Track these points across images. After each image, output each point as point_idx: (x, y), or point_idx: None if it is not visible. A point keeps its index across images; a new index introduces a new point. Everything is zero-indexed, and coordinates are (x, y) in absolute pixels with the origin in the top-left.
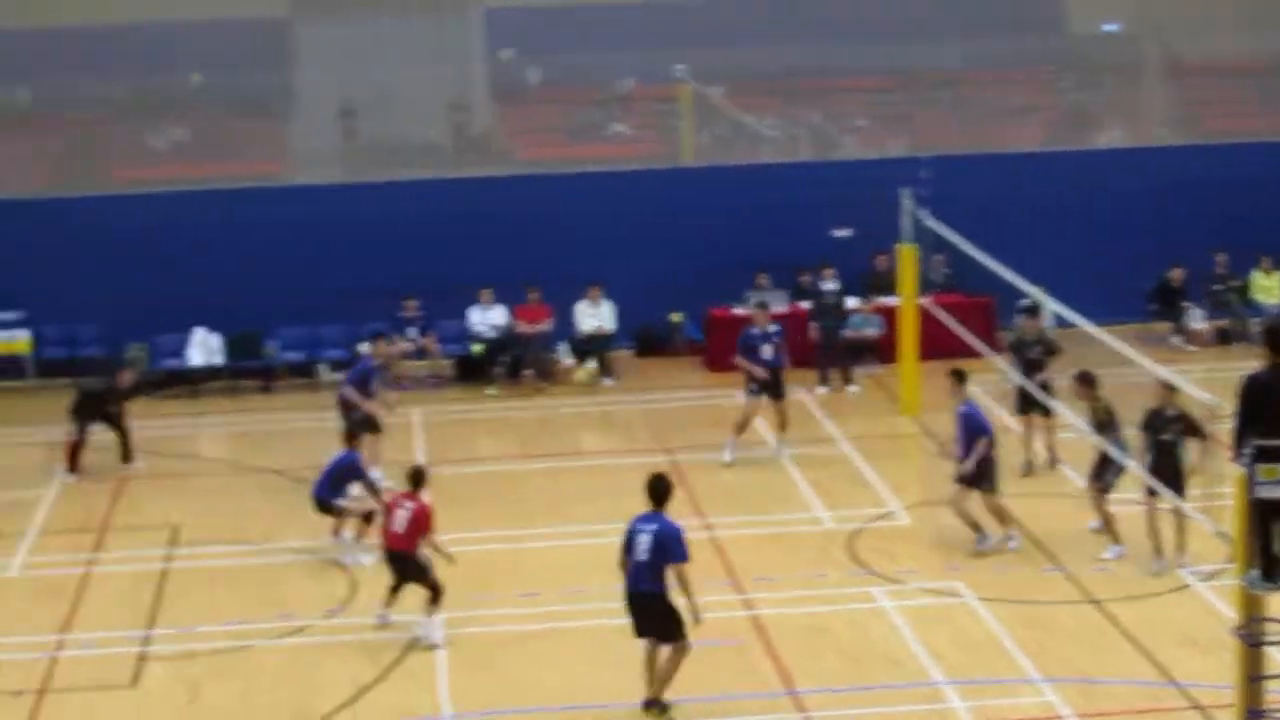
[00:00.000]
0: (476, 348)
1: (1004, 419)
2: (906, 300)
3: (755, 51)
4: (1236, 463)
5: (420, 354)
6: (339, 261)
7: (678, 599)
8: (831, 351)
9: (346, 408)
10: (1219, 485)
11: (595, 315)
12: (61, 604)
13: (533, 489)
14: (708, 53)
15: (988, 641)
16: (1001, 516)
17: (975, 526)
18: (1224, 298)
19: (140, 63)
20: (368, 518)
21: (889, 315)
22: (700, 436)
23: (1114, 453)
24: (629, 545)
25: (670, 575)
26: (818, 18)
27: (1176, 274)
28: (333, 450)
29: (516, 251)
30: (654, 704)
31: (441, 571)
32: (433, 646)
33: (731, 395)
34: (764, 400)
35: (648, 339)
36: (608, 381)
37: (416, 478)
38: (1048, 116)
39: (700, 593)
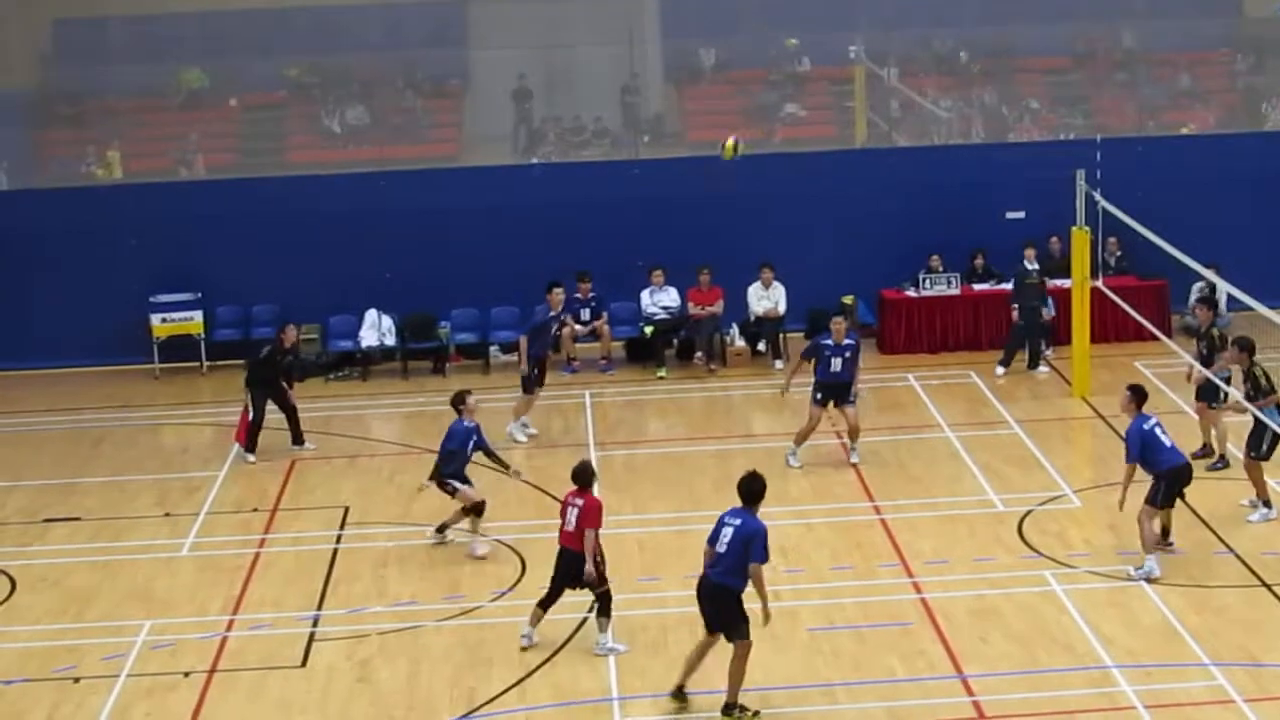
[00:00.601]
0: (648, 329)
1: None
2: (1079, 283)
3: (929, 32)
4: None
5: (592, 335)
6: (511, 243)
7: (751, 599)
8: (1029, 332)
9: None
10: None
11: (767, 297)
12: (232, 584)
13: (701, 471)
14: (882, 34)
15: (1158, 626)
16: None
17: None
18: None
19: (316, 45)
20: (478, 509)
21: (1062, 297)
22: (869, 419)
23: (1269, 421)
24: (714, 536)
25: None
26: None
27: None
28: (505, 430)
29: (689, 233)
30: (730, 707)
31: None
32: (612, 651)
33: (905, 378)
34: (829, 409)
35: (821, 321)
36: (778, 364)
37: (582, 476)
38: (1223, 99)
39: (870, 575)
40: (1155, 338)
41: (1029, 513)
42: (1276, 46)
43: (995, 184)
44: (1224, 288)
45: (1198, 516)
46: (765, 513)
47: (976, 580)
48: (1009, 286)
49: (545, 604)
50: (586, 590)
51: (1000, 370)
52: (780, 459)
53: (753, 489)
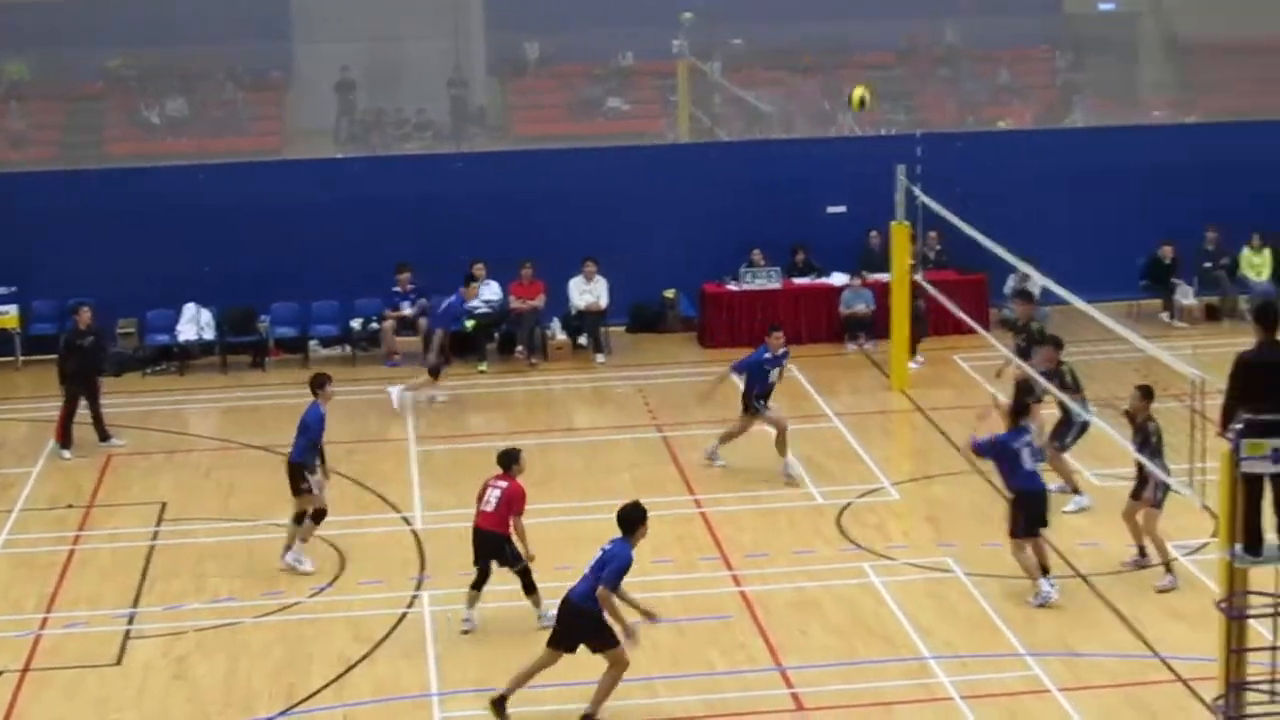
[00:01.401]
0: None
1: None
2: (899, 277)
3: (753, 28)
4: (1224, 438)
5: (412, 329)
6: (332, 237)
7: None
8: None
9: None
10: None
11: (589, 291)
12: (46, 581)
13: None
14: (706, 29)
15: (975, 616)
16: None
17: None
18: (1214, 275)
19: (137, 36)
20: (319, 516)
21: (882, 291)
22: (692, 412)
23: (1075, 410)
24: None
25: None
26: None
27: (1167, 251)
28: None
29: (512, 227)
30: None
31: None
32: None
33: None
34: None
35: (641, 315)
36: (600, 358)
37: (508, 459)
38: (1044, 95)
39: (691, 569)
40: (974, 331)
41: (848, 505)
42: (1095, 43)
43: (817, 179)
44: (1040, 281)
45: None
46: (584, 505)
47: (796, 573)
48: (831, 280)
49: (478, 585)
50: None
51: (919, 360)
52: (605, 452)
53: (624, 517)
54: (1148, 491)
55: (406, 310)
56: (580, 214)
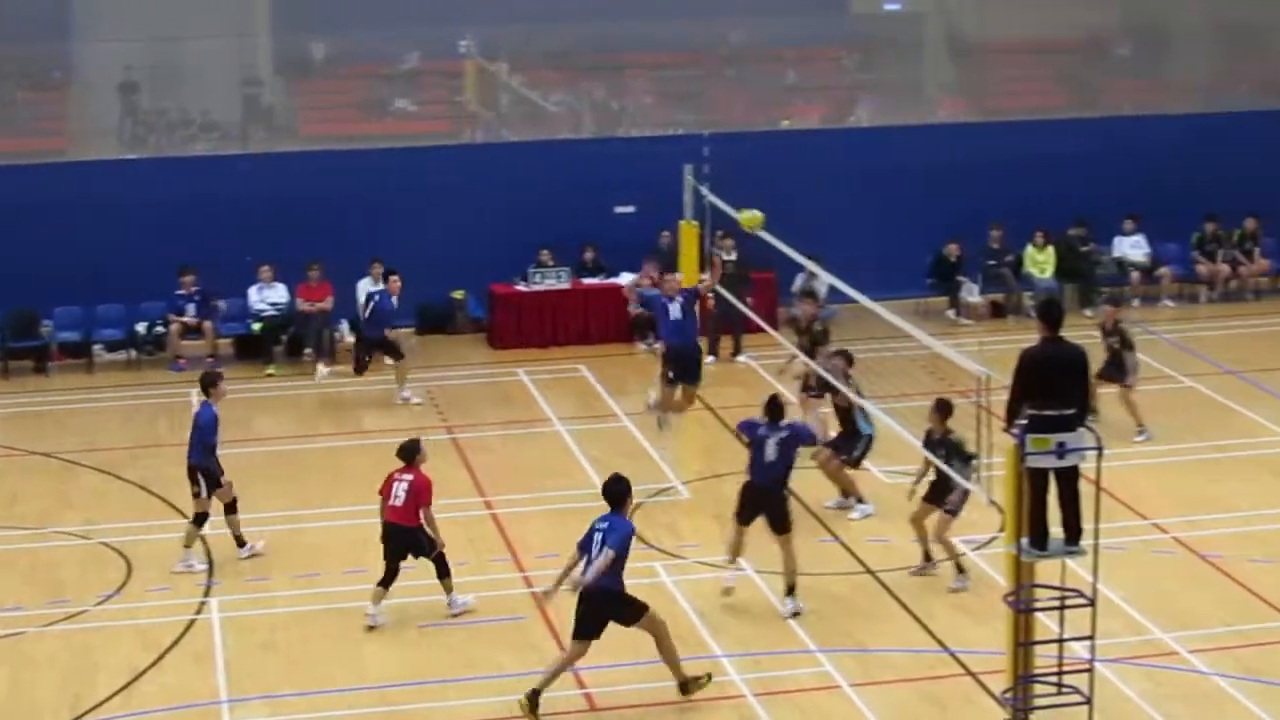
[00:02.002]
0: (256, 326)
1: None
2: (687, 276)
3: (541, 27)
4: (1010, 434)
5: (198, 332)
6: (117, 238)
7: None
8: (726, 321)
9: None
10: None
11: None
12: None
13: (313, 468)
14: (493, 28)
15: (767, 614)
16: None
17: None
18: (998, 272)
19: None
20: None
21: None
22: (482, 414)
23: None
24: (585, 542)
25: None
26: None
27: (952, 249)
28: (109, 431)
29: (299, 229)
30: (684, 685)
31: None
32: (465, 610)
33: (514, 373)
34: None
35: (430, 317)
36: (389, 360)
37: (409, 452)
38: (831, 94)
39: (483, 570)
40: (762, 329)
41: (639, 505)
42: (883, 44)
43: (605, 178)
44: (828, 280)
45: (804, 505)
46: (375, 509)
47: None
48: (620, 280)
49: (385, 583)
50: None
51: (710, 360)
52: (390, 455)
53: (613, 491)
54: (951, 500)
55: (190, 313)
56: (368, 215)
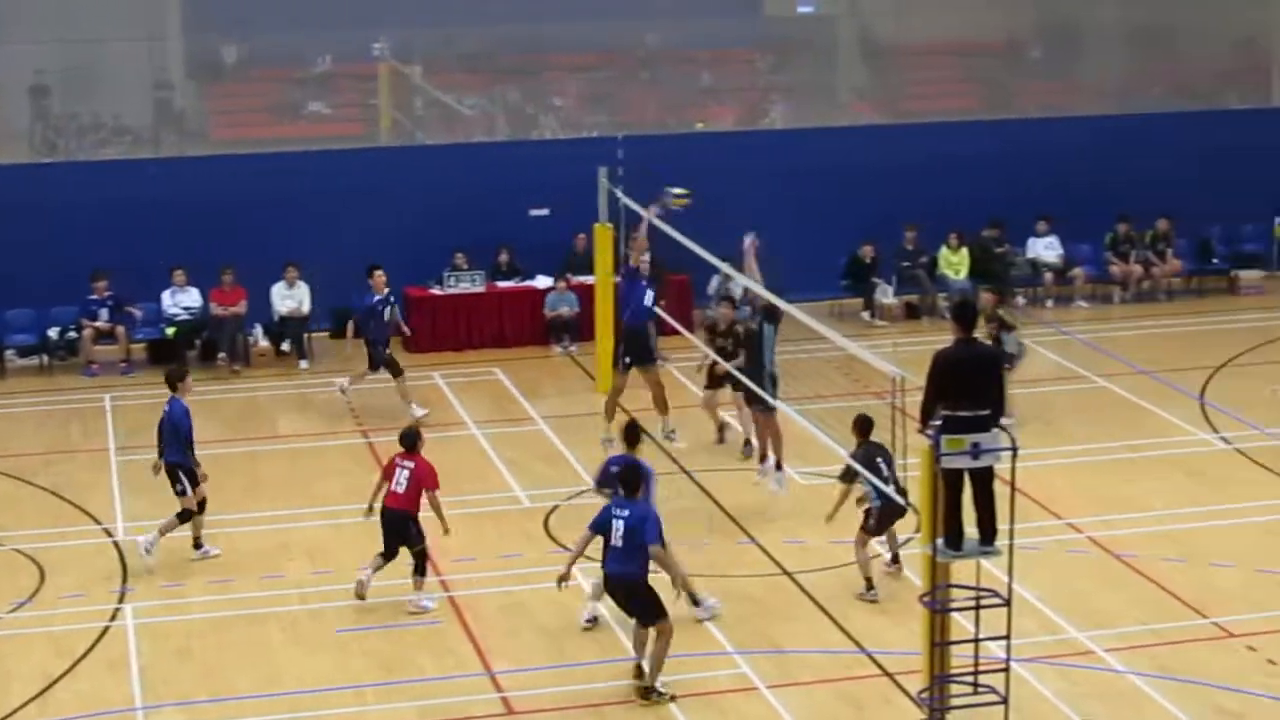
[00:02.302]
0: (170, 331)
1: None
2: (602, 279)
3: (455, 30)
4: (924, 434)
5: (111, 337)
6: (29, 244)
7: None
8: None
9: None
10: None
11: (291, 297)
12: None
13: (230, 473)
14: (407, 31)
15: (682, 616)
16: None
17: None
18: (912, 274)
19: None
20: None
21: (586, 294)
22: (398, 417)
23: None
24: (599, 523)
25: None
26: None
27: (867, 250)
28: (22, 437)
29: (212, 233)
30: (649, 691)
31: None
32: (423, 610)
33: (430, 377)
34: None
35: (344, 320)
36: (303, 364)
37: (410, 439)
38: (745, 97)
39: (399, 575)
40: (678, 332)
41: (556, 508)
42: (796, 45)
43: (520, 181)
44: (743, 282)
45: (720, 507)
46: (293, 513)
47: (504, 576)
48: (535, 283)
49: (385, 558)
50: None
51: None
52: (311, 459)
53: (629, 480)
54: (870, 522)
55: (104, 318)
56: (281, 219)
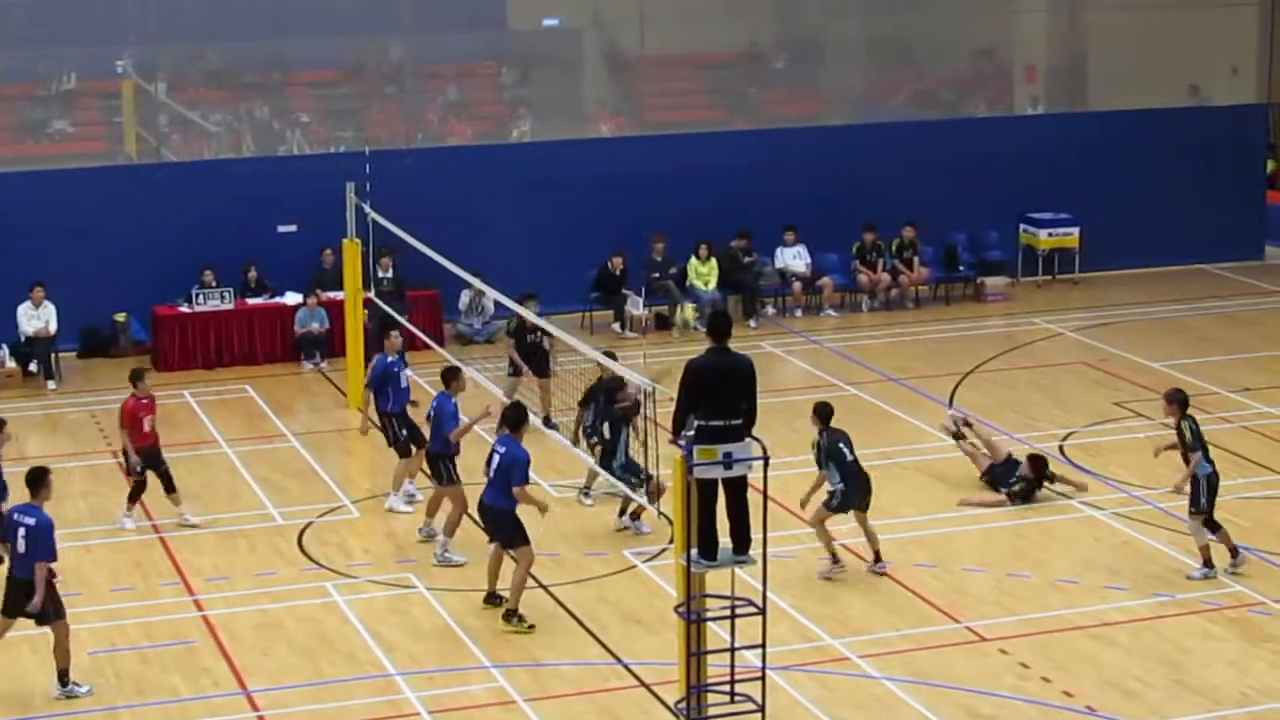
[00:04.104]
0: None
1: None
2: (351, 294)
3: (198, 46)
4: (676, 445)
5: None
6: None
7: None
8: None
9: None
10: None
11: (37, 317)
12: None
13: None
14: (151, 48)
15: (440, 631)
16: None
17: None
18: (662, 285)
19: None
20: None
21: (336, 310)
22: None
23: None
24: (488, 461)
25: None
26: (261, 11)
27: (617, 262)
28: None
29: None
30: (511, 614)
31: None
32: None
33: (181, 395)
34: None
35: (92, 340)
36: (51, 384)
37: (512, 419)
38: (491, 110)
39: (152, 595)
40: (429, 346)
41: (309, 525)
42: (541, 59)
43: (267, 197)
44: (492, 295)
45: (473, 520)
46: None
47: (258, 595)
48: (284, 300)
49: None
50: None
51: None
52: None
53: (514, 416)
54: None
55: None
56: (26, 238)
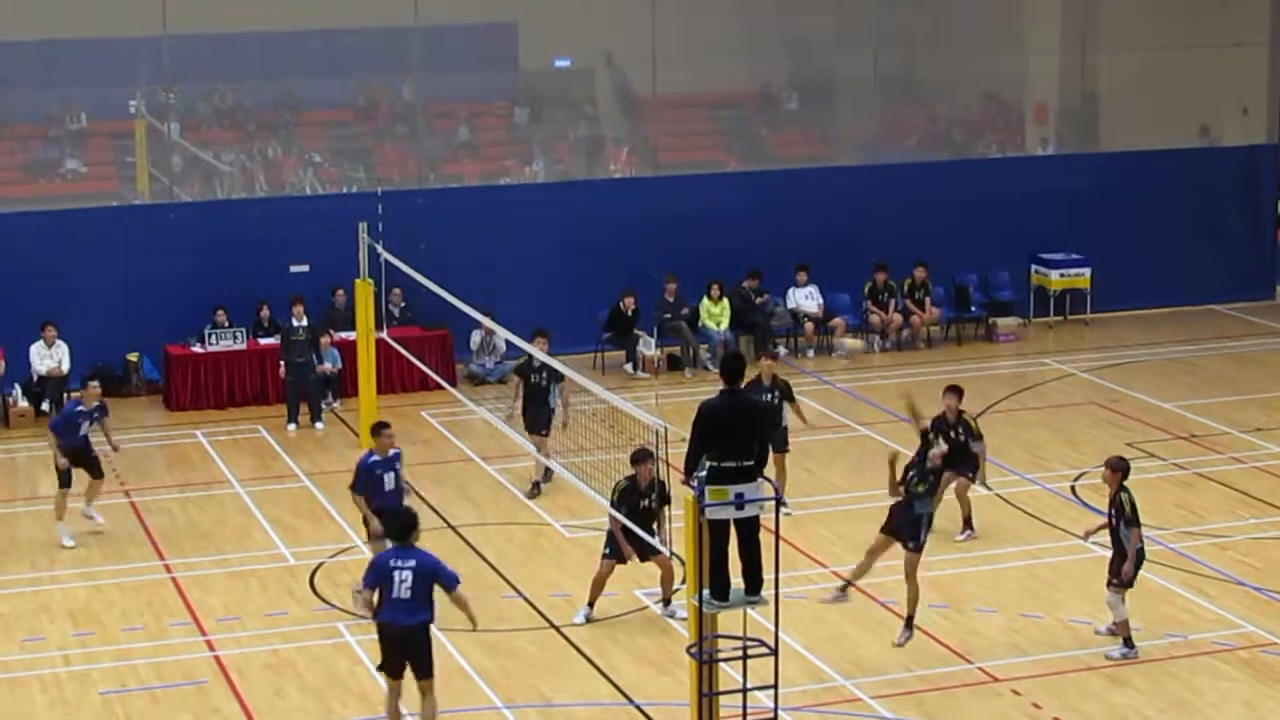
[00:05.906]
0: None
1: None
2: (364, 334)
3: (210, 86)
4: (688, 486)
5: None
6: None
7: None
8: (299, 387)
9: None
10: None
11: (50, 356)
12: None
13: None
14: (163, 88)
15: (451, 671)
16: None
17: None
18: (673, 325)
19: None
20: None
21: (349, 349)
22: (159, 476)
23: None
24: (377, 581)
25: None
26: (273, 51)
27: (628, 302)
28: None
29: None
30: None
31: None
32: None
33: (193, 434)
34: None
35: (104, 379)
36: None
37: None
38: (503, 150)
39: (163, 635)
40: (440, 387)
41: (320, 565)
42: (553, 99)
43: (279, 237)
44: (503, 335)
45: (486, 561)
46: (53, 574)
47: (269, 635)
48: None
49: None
50: None
51: (291, 427)
52: (69, 520)
53: (406, 524)
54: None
55: None
56: (39, 278)
